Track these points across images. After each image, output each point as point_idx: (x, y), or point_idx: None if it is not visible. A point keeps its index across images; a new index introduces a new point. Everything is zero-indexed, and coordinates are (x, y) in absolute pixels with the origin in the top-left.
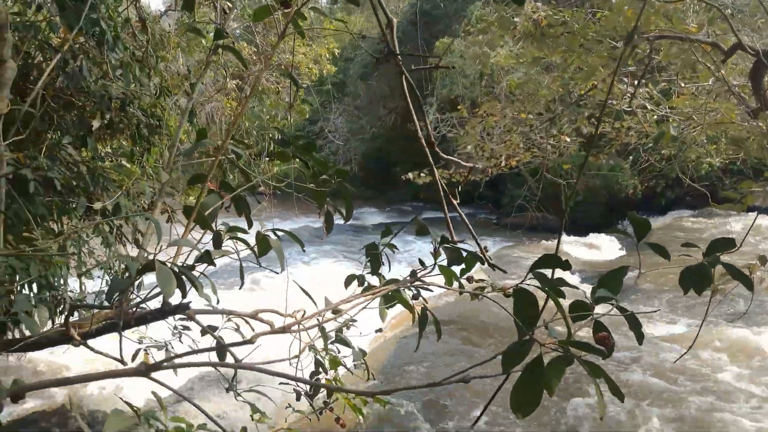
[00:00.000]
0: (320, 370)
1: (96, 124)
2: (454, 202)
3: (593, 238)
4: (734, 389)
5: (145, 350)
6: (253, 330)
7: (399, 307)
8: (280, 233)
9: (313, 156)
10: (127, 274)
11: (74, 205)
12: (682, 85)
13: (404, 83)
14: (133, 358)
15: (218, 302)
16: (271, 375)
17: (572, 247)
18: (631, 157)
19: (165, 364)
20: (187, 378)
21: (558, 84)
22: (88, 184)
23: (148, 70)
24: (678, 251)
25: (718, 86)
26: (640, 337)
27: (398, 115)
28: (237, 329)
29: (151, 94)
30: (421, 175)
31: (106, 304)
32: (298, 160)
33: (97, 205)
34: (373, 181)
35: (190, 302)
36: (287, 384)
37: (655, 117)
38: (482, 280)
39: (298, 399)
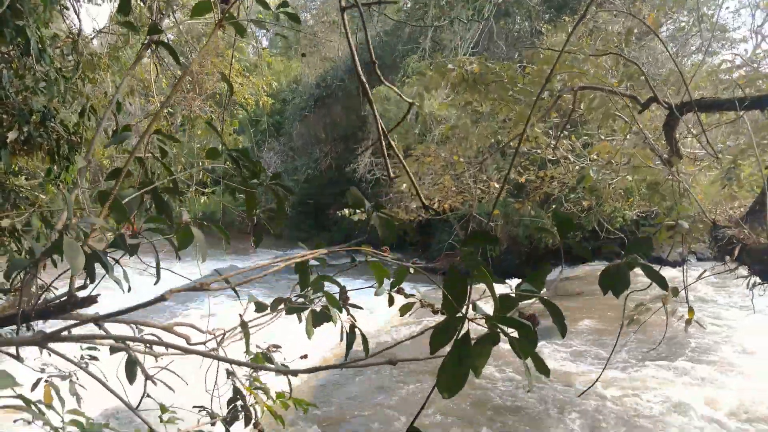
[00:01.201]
0: (238, 396)
1: (12, 136)
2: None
3: (514, 283)
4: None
5: (46, 380)
6: (167, 349)
7: (326, 347)
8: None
9: (247, 157)
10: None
11: None
12: (603, 138)
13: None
14: (33, 387)
15: (129, 289)
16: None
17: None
18: (554, 206)
19: (65, 334)
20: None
21: (488, 132)
22: None
23: (75, 87)
24: (595, 297)
25: (635, 138)
26: (563, 329)
27: (333, 159)
28: (150, 348)
29: (76, 112)
30: (356, 212)
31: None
32: (225, 198)
33: (5, 222)
34: (305, 223)
35: (99, 295)
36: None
37: (577, 167)
38: (412, 296)
39: (213, 424)
